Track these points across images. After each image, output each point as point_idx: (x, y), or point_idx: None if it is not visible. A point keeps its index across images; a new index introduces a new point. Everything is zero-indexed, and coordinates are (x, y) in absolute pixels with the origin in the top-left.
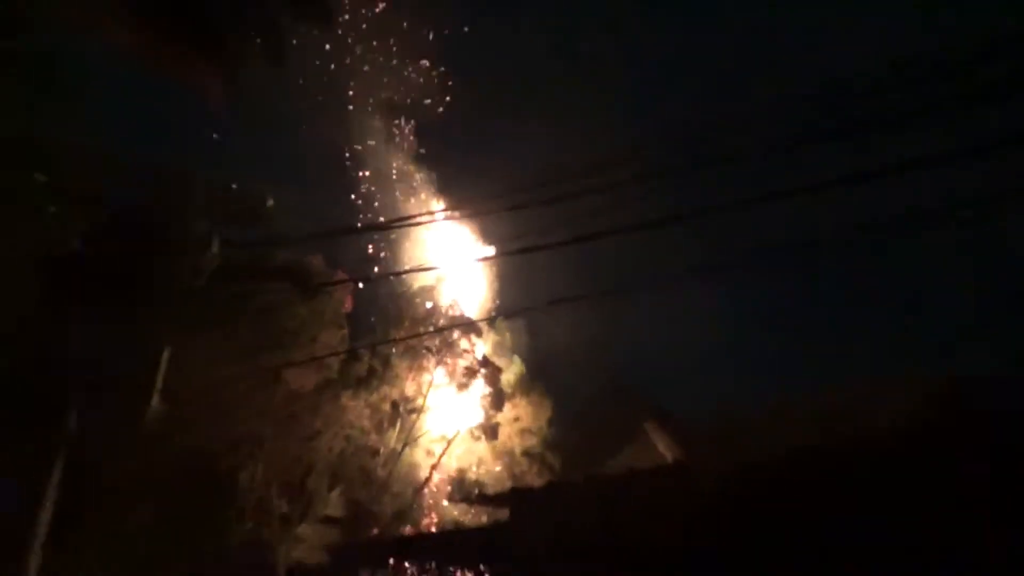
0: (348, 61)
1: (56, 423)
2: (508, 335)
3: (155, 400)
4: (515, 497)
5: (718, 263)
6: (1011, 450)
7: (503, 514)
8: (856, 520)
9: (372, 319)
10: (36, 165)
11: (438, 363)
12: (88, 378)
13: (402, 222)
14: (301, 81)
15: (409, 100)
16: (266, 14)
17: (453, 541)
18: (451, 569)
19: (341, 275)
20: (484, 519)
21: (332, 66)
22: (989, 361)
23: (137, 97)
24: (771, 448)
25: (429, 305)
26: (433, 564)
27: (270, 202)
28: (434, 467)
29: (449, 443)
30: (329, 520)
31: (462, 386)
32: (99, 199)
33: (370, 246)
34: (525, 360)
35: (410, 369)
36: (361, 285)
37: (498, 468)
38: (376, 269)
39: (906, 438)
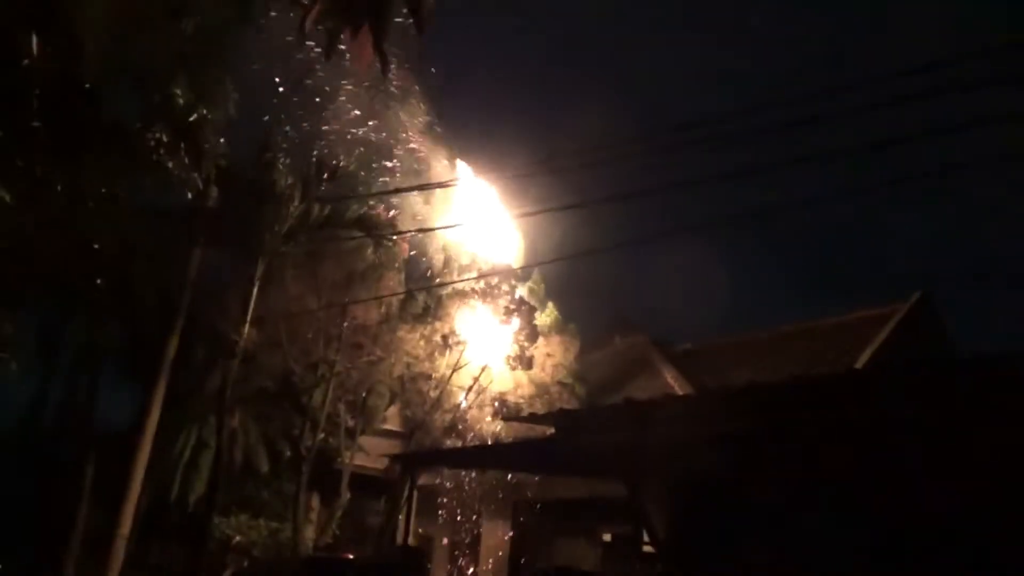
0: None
1: (160, 345)
2: (543, 284)
3: (247, 327)
4: (561, 416)
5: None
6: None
7: (540, 431)
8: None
9: (426, 264)
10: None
11: (482, 302)
12: (191, 305)
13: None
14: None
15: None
16: None
17: (501, 452)
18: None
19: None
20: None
21: None
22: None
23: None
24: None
25: (474, 255)
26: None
27: (342, 162)
28: (471, 387)
29: (480, 370)
30: (388, 433)
31: (502, 322)
32: (208, 157)
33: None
34: (556, 304)
35: (458, 307)
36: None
37: (532, 394)
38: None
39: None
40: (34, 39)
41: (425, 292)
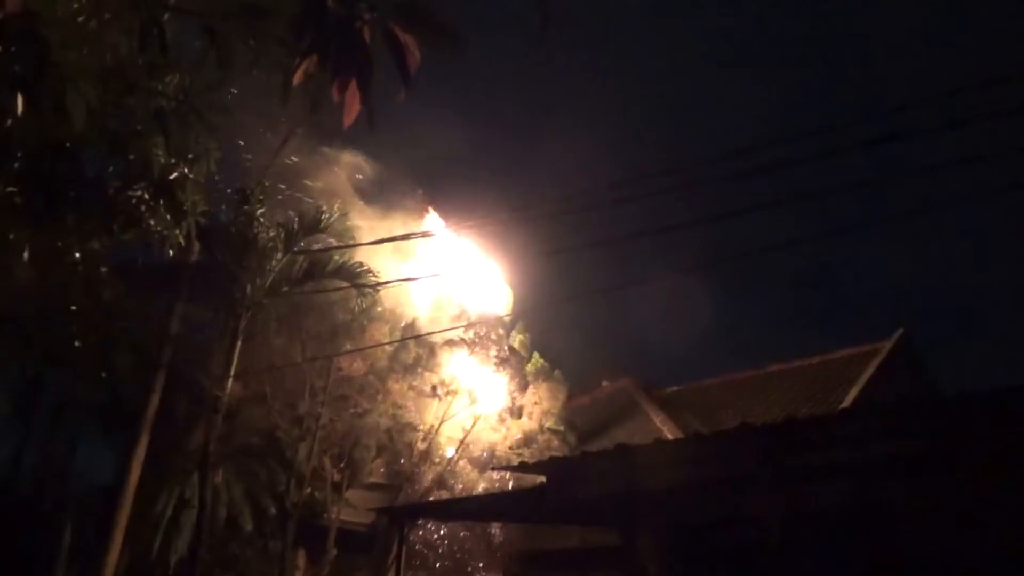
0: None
1: (142, 402)
2: (527, 334)
3: (230, 382)
4: (552, 465)
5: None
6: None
7: (529, 480)
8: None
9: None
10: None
11: (472, 352)
12: (172, 361)
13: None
14: None
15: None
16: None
17: (492, 503)
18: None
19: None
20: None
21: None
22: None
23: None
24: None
25: (461, 305)
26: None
27: (324, 214)
28: (463, 440)
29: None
30: (374, 486)
31: (491, 372)
32: (189, 214)
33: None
34: (542, 352)
35: (447, 356)
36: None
37: (521, 443)
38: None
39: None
40: (19, 99)
41: (415, 342)
